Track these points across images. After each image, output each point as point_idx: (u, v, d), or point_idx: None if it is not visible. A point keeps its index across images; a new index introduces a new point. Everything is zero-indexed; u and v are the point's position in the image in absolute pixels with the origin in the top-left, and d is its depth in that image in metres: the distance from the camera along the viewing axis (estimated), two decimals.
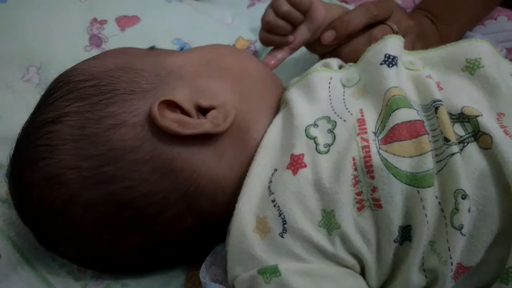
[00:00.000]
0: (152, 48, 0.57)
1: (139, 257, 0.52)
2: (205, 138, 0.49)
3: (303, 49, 0.74)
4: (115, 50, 0.57)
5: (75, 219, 0.49)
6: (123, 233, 0.49)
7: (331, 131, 0.48)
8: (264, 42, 0.62)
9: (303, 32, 0.63)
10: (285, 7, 0.61)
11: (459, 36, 0.72)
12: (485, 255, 0.46)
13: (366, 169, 0.45)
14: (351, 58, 0.59)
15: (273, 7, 0.62)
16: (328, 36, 0.62)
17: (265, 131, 0.51)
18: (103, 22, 0.75)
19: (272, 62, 0.63)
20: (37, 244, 0.54)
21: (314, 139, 0.48)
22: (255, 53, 0.75)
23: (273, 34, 0.62)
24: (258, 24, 0.79)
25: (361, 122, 0.48)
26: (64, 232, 0.50)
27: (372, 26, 0.63)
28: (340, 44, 0.63)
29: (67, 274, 0.54)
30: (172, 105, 0.49)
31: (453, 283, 0.46)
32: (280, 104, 0.55)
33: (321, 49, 0.64)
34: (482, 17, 0.75)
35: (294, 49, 0.63)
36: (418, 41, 0.65)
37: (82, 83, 0.50)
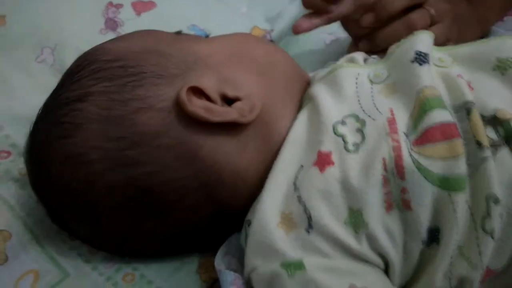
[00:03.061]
0: (178, 33, 0.57)
1: (153, 242, 0.52)
2: (230, 129, 0.49)
3: (320, 42, 0.73)
4: (142, 32, 0.56)
5: (94, 200, 0.48)
6: (140, 217, 0.49)
7: (360, 130, 0.47)
8: (306, 3, 0.60)
9: (346, 5, 0.60)
10: None
11: (497, 18, 0.70)
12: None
13: (396, 169, 0.45)
14: (386, 42, 0.58)
15: None
16: (368, 19, 0.61)
17: (290, 126, 0.50)
18: (118, 6, 0.75)
19: (306, 25, 0.60)
20: (48, 225, 0.54)
21: (342, 136, 0.47)
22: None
23: None
24: (273, 13, 0.79)
25: (392, 121, 0.47)
26: (81, 212, 0.50)
27: (409, 10, 0.62)
28: (377, 27, 0.62)
29: (77, 256, 0.54)
30: (198, 92, 0.49)
31: (479, 287, 0.46)
32: (303, 99, 0.54)
33: (357, 30, 0.63)
34: None
35: (331, 20, 0.61)
36: (454, 25, 0.63)
37: (109, 63, 0.50)
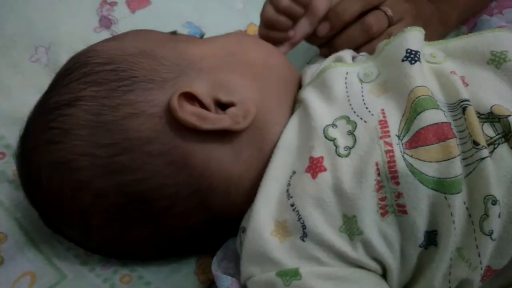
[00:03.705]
0: (173, 33, 0.56)
1: (146, 248, 0.52)
2: (222, 135, 0.48)
3: None
4: (136, 32, 0.56)
5: (84, 206, 0.48)
6: (131, 224, 0.49)
7: (351, 133, 0.46)
8: (265, 38, 0.61)
9: (304, 26, 0.60)
10: (286, 2, 0.58)
11: (461, 17, 0.70)
12: None
13: (390, 174, 0.44)
14: (345, 47, 0.57)
15: (272, 2, 0.59)
16: (323, 28, 0.60)
17: (282, 132, 0.50)
18: (113, 3, 0.74)
19: None
20: (44, 226, 0.54)
21: (333, 140, 0.46)
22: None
23: (273, 30, 0.60)
24: None
25: (383, 124, 0.46)
26: (71, 218, 0.50)
27: (366, 12, 0.61)
28: (335, 34, 0.61)
29: (73, 257, 0.54)
30: (190, 98, 0.48)
31: (480, 286, 0.46)
32: (295, 102, 0.53)
33: (316, 40, 0.63)
34: (488, 1, 0.72)
35: (294, 44, 0.61)
36: (417, 23, 0.61)
37: (100, 66, 0.49)
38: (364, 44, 0.60)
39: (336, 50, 0.60)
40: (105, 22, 0.72)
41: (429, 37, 0.55)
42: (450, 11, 0.68)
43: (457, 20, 0.69)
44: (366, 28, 0.60)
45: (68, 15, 0.73)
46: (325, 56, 0.59)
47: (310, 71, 0.55)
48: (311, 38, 0.63)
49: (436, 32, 0.65)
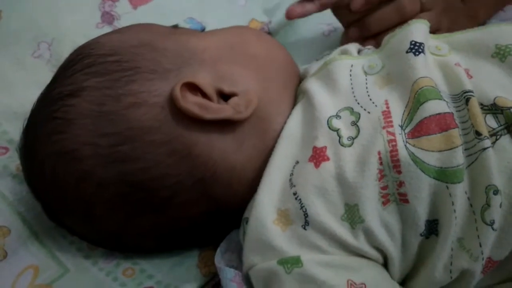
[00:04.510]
0: (175, 27, 0.56)
1: (149, 239, 0.52)
2: (225, 125, 0.48)
3: (318, 33, 0.73)
4: (139, 25, 0.56)
5: (86, 196, 0.48)
6: (134, 214, 0.49)
7: (354, 123, 0.47)
8: None
9: None
10: None
11: (488, 14, 0.69)
12: None
13: (392, 163, 0.44)
14: (377, 26, 0.57)
15: None
16: (358, 2, 0.60)
17: (285, 122, 0.50)
18: None
19: (299, 10, 0.61)
20: (47, 220, 0.54)
21: (337, 131, 0.47)
22: (269, 35, 0.74)
23: None
24: (271, 5, 0.79)
25: (387, 114, 0.46)
26: (74, 208, 0.50)
27: None
28: (367, 12, 0.61)
29: (76, 251, 0.54)
30: (193, 88, 0.48)
31: (481, 277, 0.46)
32: (297, 94, 0.54)
33: (348, 16, 0.63)
34: None
35: (325, 6, 0.61)
36: (445, 16, 0.62)
37: (103, 58, 0.50)
38: (394, 26, 0.59)
39: (367, 29, 0.60)
40: (107, 17, 0.73)
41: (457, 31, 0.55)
42: (479, 8, 0.67)
43: (484, 17, 0.69)
44: (400, 8, 0.59)
45: (70, 10, 0.72)
46: (354, 38, 0.59)
47: (317, 64, 0.55)
48: (343, 13, 0.63)
49: (464, 27, 0.65)
